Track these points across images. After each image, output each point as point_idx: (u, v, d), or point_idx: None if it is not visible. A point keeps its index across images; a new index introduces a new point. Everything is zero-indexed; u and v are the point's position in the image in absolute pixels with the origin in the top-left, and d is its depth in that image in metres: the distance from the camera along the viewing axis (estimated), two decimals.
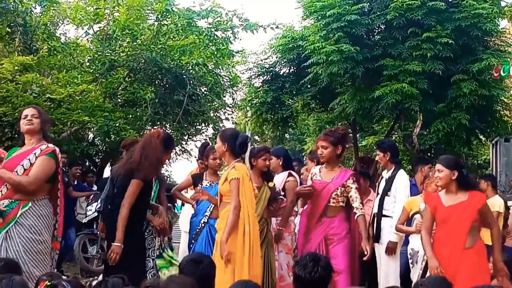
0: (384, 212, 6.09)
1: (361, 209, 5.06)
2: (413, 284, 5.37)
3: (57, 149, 4.59)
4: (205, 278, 3.27)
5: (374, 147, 13.73)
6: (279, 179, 6.08)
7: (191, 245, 5.77)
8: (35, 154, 4.44)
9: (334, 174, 5.14)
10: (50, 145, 4.57)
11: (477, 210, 4.45)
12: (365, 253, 4.93)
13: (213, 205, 5.63)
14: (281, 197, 5.95)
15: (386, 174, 6.25)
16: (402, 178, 6.11)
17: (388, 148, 6.38)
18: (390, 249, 5.90)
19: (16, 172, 4.38)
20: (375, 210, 6.22)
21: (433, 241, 4.68)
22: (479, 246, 4.46)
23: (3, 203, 4.36)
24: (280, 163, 6.27)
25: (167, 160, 14.27)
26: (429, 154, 10.44)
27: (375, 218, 6.27)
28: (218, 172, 6.16)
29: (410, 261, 5.63)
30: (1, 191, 4.42)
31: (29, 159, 4.42)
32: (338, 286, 4.82)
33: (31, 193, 4.42)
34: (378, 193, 6.33)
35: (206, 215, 5.70)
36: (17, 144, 5.47)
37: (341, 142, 5.15)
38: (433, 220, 4.63)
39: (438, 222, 4.60)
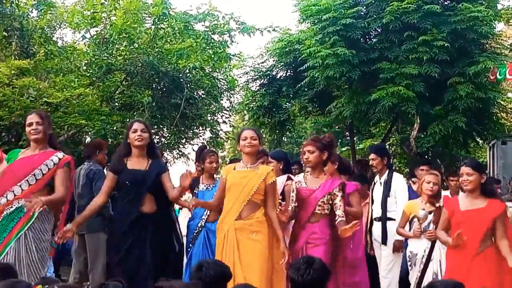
0: (388, 215, 6.12)
1: (343, 217, 4.92)
2: (413, 285, 5.44)
3: (72, 160, 4.79)
4: None
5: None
6: (278, 183, 6.09)
7: (189, 249, 5.76)
8: (48, 164, 4.58)
9: (321, 181, 5.03)
10: (65, 154, 4.74)
11: (492, 218, 4.42)
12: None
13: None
14: (279, 201, 5.95)
15: (381, 179, 6.26)
16: (400, 180, 6.16)
17: (386, 153, 6.46)
18: (397, 248, 5.97)
19: (27, 180, 4.52)
20: (377, 214, 6.22)
21: (449, 247, 4.68)
22: (488, 252, 4.43)
23: (18, 202, 4.48)
24: (281, 167, 6.28)
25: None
26: (426, 156, 10.44)
27: (372, 223, 6.30)
28: (214, 175, 6.14)
29: (408, 263, 5.64)
30: (14, 191, 4.50)
31: (41, 169, 4.55)
32: None
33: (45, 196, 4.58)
34: (372, 199, 6.34)
35: (203, 219, 5.69)
36: (15, 147, 5.49)
37: (327, 149, 5.06)
38: (449, 223, 4.64)
39: (454, 226, 4.58)
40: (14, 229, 4.46)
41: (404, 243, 6.05)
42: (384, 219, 6.12)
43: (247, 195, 4.74)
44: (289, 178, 6.10)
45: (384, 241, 6.10)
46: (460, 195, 4.73)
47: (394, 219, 6.00)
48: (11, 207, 4.48)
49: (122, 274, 4.41)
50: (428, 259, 5.22)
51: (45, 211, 4.57)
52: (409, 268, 5.64)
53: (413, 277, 5.48)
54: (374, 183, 6.42)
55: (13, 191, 4.50)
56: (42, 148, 4.67)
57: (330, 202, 4.99)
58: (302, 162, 5.33)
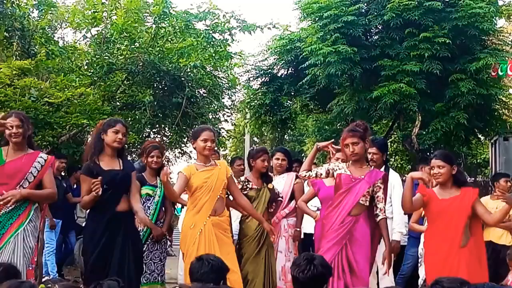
0: None
1: (385, 212, 4.79)
2: (421, 279, 5.47)
3: (54, 160, 4.98)
4: None
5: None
6: (286, 181, 6.09)
7: None
8: (37, 166, 4.69)
9: (364, 171, 4.79)
10: (47, 155, 4.88)
11: (471, 205, 4.48)
12: (383, 265, 4.77)
13: None
14: (280, 199, 5.97)
15: None
16: (396, 178, 6.11)
17: (387, 148, 6.42)
18: (395, 248, 5.94)
19: (21, 186, 4.61)
20: None
21: (427, 239, 4.71)
22: (471, 245, 4.48)
23: (17, 201, 4.56)
24: (287, 166, 6.30)
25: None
26: (428, 153, 10.43)
27: None
28: None
29: (420, 259, 5.67)
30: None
31: (31, 172, 4.66)
32: None
33: None
34: None
35: None
36: None
37: (366, 137, 4.81)
38: (421, 202, 4.66)
39: (432, 215, 4.63)
40: (13, 227, 4.54)
41: (413, 243, 6.09)
42: None
43: (219, 190, 4.88)
44: (297, 177, 6.10)
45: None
46: (435, 188, 4.71)
47: (390, 218, 5.99)
48: (9, 206, 4.54)
49: (97, 273, 4.41)
50: None
51: (37, 210, 4.72)
52: (419, 264, 5.67)
53: (422, 272, 5.53)
54: None
55: None
56: (23, 149, 4.74)
57: (372, 193, 4.78)
58: (344, 156, 4.93)
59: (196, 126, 13.25)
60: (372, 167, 5.33)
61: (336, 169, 4.84)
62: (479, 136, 10.74)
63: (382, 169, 6.10)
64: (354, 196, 4.71)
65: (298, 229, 6.06)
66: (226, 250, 4.80)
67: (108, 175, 4.67)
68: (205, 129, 5.05)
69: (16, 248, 4.51)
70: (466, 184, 4.73)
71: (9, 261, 4.38)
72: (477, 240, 4.57)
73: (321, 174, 4.91)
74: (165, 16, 11.08)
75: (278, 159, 6.24)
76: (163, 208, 5.95)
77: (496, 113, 9.81)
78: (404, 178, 7.28)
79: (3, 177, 4.59)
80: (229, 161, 9.35)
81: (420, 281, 5.54)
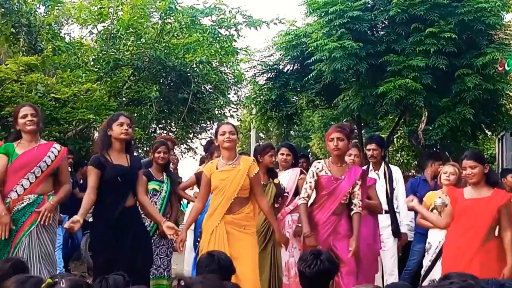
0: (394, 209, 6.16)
1: (359, 207, 4.84)
2: (423, 270, 5.51)
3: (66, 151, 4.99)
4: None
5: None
6: (291, 177, 6.09)
7: (197, 243, 5.78)
8: (51, 156, 4.73)
9: (344, 170, 4.87)
10: (60, 146, 4.91)
11: (498, 207, 4.43)
12: (350, 249, 4.74)
13: None
14: (286, 194, 5.98)
15: (379, 171, 6.21)
16: (399, 173, 6.15)
17: (385, 144, 6.43)
18: (403, 240, 6.04)
19: (34, 172, 4.62)
20: (386, 207, 6.21)
21: (448, 236, 4.70)
22: (492, 245, 4.45)
23: (29, 198, 4.59)
24: (293, 161, 6.31)
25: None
26: (434, 149, 10.40)
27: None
28: None
29: (426, 252, 5.73)
30: (22, 184, 4.61)
31: (45, 161, 4.67)
32: (346, 285, 4.66)
33: (50, 187, 4.75)
34: None
35: None
36: None
37: (350, 138, 4.95)
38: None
39: (456, 214, 4.60)
40: (25, 224, 4.52)
41: (419, 239, 6.11)
42: (392, 211, 6.12)
43: (233, 193, 4.74)
44: (302, 172, 6.11)
45: (396, 234, 6.11)
46: (465, 188, 4.73)
47: (398, 212, 6.04)
48: (22, 202, 4.54)
49: (106, 268, 4.39)
50: (441, 251, 5.25)
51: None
52: (426, 253, 5.73)
53: (424, 262, 5.60)
54: None
55: (21, 184, 4.56)
56: (37, 139, 4.76)
57: (349, 190, 4.87)
58: (329, 150, 4.99)
59: (202, 121, 13.33)
60: (371, 164, 5.34)
61: (318, 172, 4.91)
62: (486, 131, 10.68)
63: (383, 165, 6.16)
64: (336, 197, 4.82)
65: (299, 225, 6.07)
66: (239, 250, 4.66)
67: (118, 169, 4.71)
68: (223, 123, 5.10)
69: (32, 246, 4.50)
70: (498, 184, 4.70)
71: (25, 258, 4.35)
72: (502, 242, 4.50)
73: (314, 188, 4.95)
74: (171, 12, 11.09)
75: (283, 154, 6.25)
76: (169, 203, 5.98)
77: (503, 108, 9.76)
78: (410, 173, 7.31)
79: (16, 169, 4.60)
80: None
81: (423, 272, 5.57)
